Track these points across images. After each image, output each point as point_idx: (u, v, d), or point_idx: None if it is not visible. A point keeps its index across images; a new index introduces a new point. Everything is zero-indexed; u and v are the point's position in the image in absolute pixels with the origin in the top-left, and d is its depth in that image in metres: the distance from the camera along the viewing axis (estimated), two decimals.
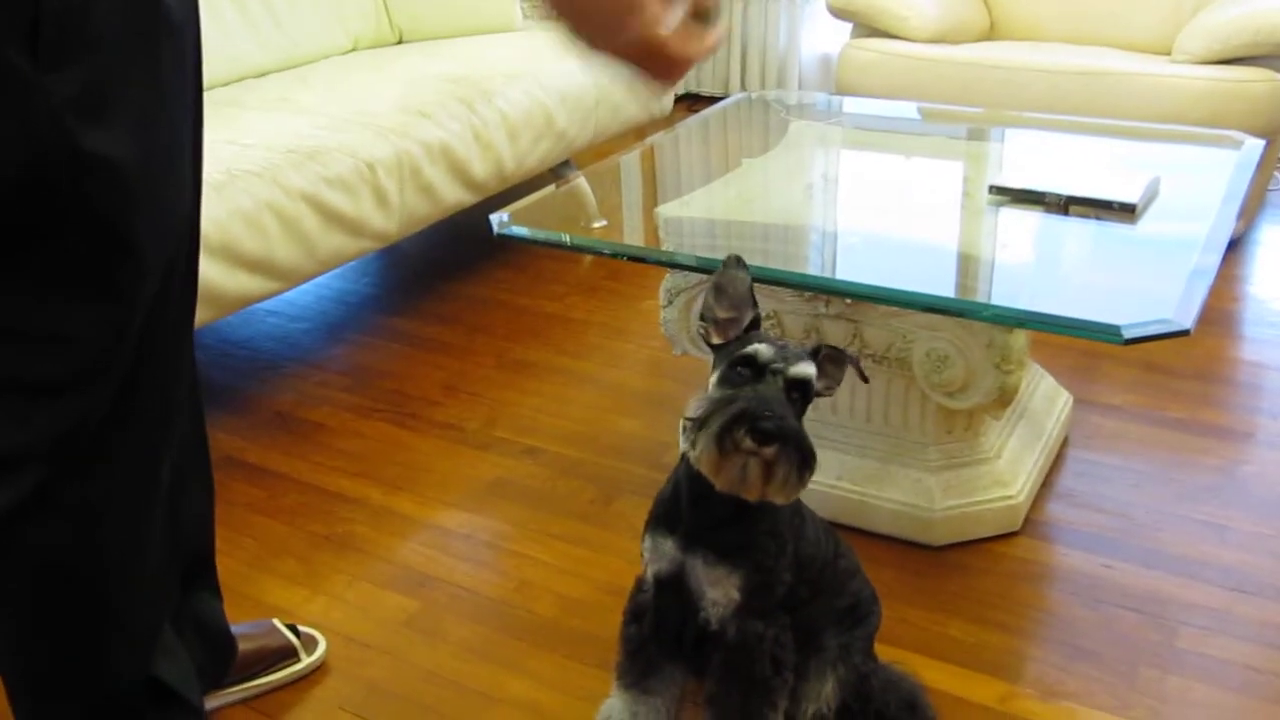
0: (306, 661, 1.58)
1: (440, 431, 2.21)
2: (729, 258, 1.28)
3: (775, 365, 1.18)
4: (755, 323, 1.26)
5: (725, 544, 1.26)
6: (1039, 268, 1.71)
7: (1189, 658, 1.57)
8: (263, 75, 2.86)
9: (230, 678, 1.51)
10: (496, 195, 2.64)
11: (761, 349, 1.19)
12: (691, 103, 4.39)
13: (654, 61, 0.86)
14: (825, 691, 1.37)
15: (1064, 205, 1.81)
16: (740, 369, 1.19)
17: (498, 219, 1.82)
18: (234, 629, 1.51)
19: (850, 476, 1.83)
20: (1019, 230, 1.81)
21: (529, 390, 2.36)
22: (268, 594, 1.75)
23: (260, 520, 1.94)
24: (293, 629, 1.60)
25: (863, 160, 2.34)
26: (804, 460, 1.13)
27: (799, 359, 1.19)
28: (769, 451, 1.11)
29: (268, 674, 1.55)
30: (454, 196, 2.58)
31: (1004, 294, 1.56)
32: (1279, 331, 2.53)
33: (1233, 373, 2.37)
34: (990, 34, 3.46)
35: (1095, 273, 1.70)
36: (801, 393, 1.19)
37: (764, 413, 1.12)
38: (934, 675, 1.54)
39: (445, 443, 2.17)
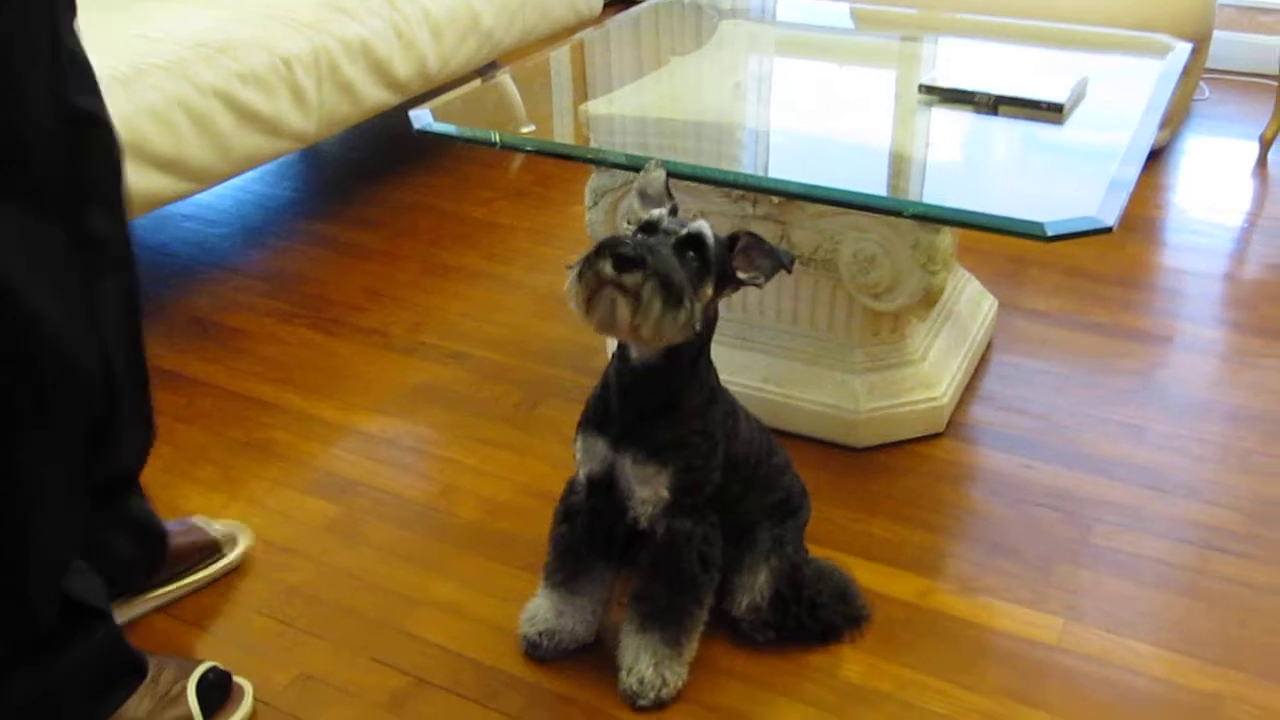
0: (230, 557, 1.56)
1: (364, 337, 2.16)
2: (651, 162, 1.26)
3: (668, 225, 1.17)
4: (673, 213, 1.24)
5: (655, 443, 1.25)
6: (967, 167, 1.70)
7: (1104, 553, 1.60)
8: None
9: (161, 574, 1.49)
10: (420, 96, 2.56)
11: (656, 212, 1.20)
12: (622, 5, 4.29)
13: None
14: (759, 583, 1.38)
15: (993, 105, 1.79)
16: (639, 234, 1.18)
17: (419, 116, 1.76)
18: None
19: (775, 379, 1.83)
20: (948, 130, 1.80)
21: (455, 295, 2.32)
22: (186, 500, 1.71)
23: (178, 427, 1.89)
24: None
25: (793, 60, 2.30)
26: (670, 292, 1.11)
27: (693, 221, 1.18)
28: (630, 280, 1.10)
29: (193, 572, 1.53)
30: (375, 97, 2.50)
31: (931, 193, 1.55)
32: (1199, 238, 2.56)
33: (1154, 278, 2.40)
34: None
35: (1021, 173, 1.69)
36: (697, 251, 1.17)
37: (625, 241, 1.11)
38: (857, 573, 1.55)
39: (369, 348, 2.13)
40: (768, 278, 1.23)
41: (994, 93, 1.79)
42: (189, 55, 2.10)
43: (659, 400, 1.23)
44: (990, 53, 2.25)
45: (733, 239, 1.21)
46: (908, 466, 1.78)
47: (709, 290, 1.19)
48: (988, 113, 1.79)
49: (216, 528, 1.58)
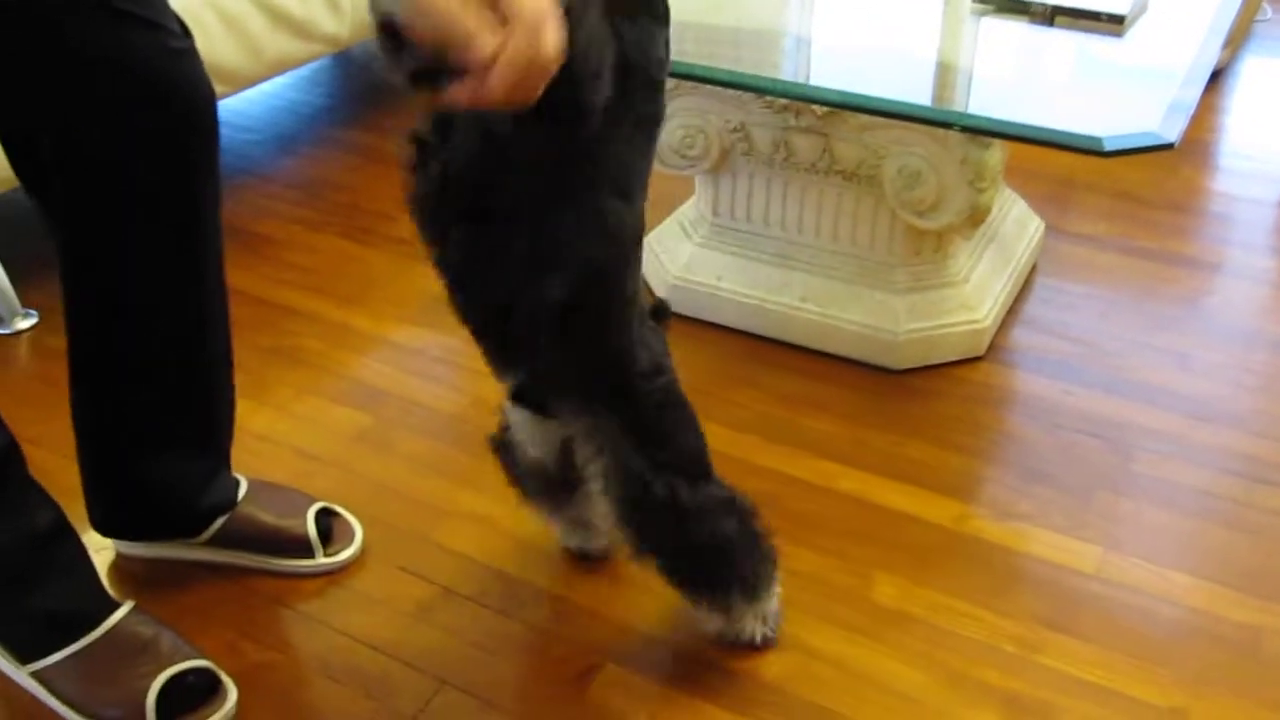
0: (322, 560, 1.41)
1: (395, 246, 2.14)
2: None
3: None
4: None
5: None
6: (1020, 80, 1.64)
7: (1144, 481, 1.56)
8: None
9: (226, 543, 1.40)
10: None
11: None
12: None
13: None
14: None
15: (1049, 15, 1.72)
16: None
17: None
18: (256, 490, 1.41)
19: (814, 298, 1.79)
20: (1001, 41, 1.73)
21: None
22: None
23: None
24: (327, 513, 1.44)
25: None
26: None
27: None
28: None
29: (263, 556, 1.40)
30: None
31: (982, 106, 1.49)
32: (1253, 164, 2.47)
33: (1205, 204, 2.32)
34: None
35: (1078, 88, 1.62)
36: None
37: None
38: (891, 496, 1.53)
39: (400, 258, 2.10)
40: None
41: (1050, 2, 1.72)
42: None
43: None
44: None
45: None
46: (946, 390, 1.74)
47: None
48: (1043, 23, 1.72)
49: (310, 519, 1.42)
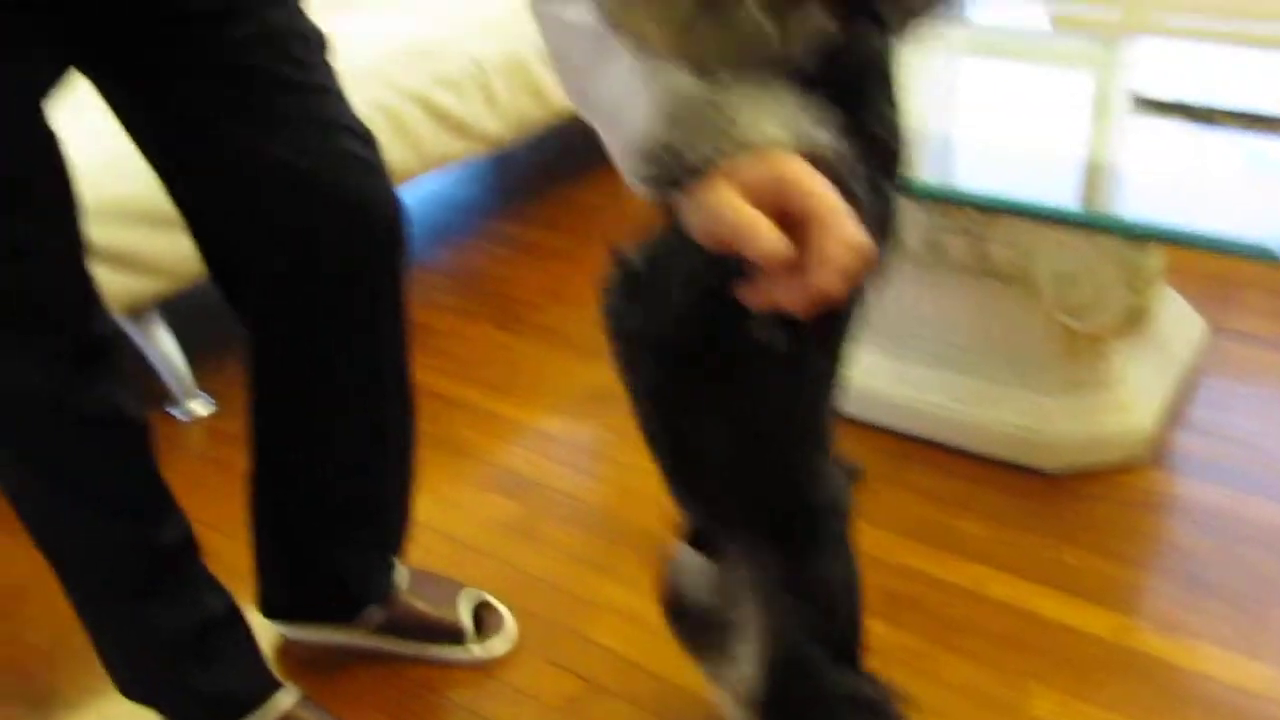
0: (473, 650, 1.44)
1: (545, 336, 2.19)
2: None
3: None
4: None
5: None
6: (1181, 182, 1.60)
7: None
8: None
9: (376, 629, 1.44)
10: None
11: None
12: None
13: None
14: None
15: (1211, 116, 1.69)
16: None
17: None
18: (414, 579, 1.46)
19: (965, 397, 1.77)
20: (1161, 141, 1.70)
21: None
22: None
23: None
24: (481, 603, 1.48)
25: (991, 68, 2.21)
26: None
27: None
28: None
29: (419, 644, 1.44)
30: (565, 100, 2.52)
31: (1140, 208, 1.47)
32: None
33: None
34: None
35: (1244, 189, 1.58)
36: None
37: None
38: (1046, 604, 1.49)
39: (549, 348, 2.15)
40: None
41: (1213, 104, 1.69)
42: (391, 59, 2.17)
43: None
44: (1207, 58, 2.12)
45: None
46: (1103, 494, 1.69)
47: (813, 18, 0.77)
48: (1205, 124, 1.69)
49: (464, 609, 1.46)
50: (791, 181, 0.70)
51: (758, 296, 0.73)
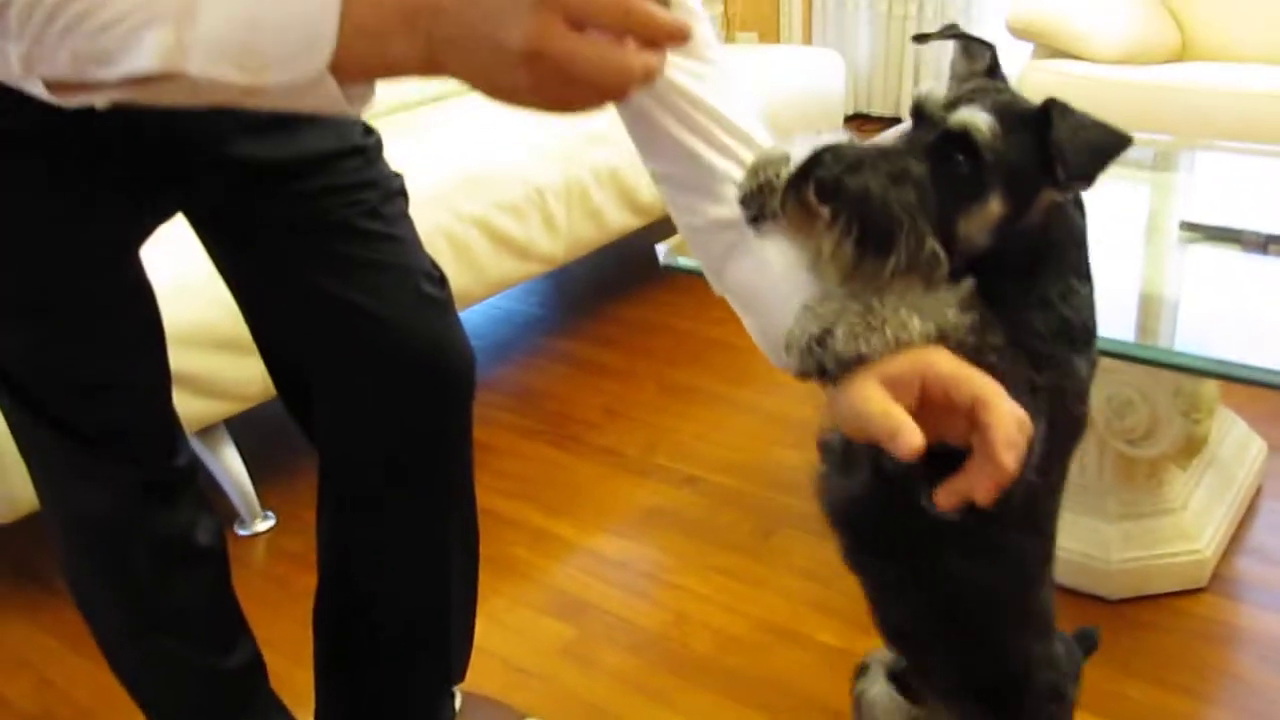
0: None
1: (600, 456, 2.22)
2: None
3: (935, 112, 0.84)
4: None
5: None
6: (1234, 311, 1.61)
7: None
8: (437, 100, 2.94)
9: None
10: (664, 217, 2.65)
11: (932, 91, 0.86)
12: (861, 122, 4.33)
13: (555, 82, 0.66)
14: None
15: (1264, 244, 1.70)
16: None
17: (664, 251, 1.82)
18: (467, 703, 1.49)
19: None
20: (1212, 270, 1.71)
21: (689, 416, 2.35)
22: None
23: None
24: None
25: None
26: (871, 232, 0.78)
27: (970, 103, 0.82)
28: (830, 212, 0.80)
29: None
30: (620, 221, 2.60)
31: (1195, 340, 1.48)
32: None
33: None
34: (1181, 54, 3.30)
35: None
36: (966, 153, 0.81)
37: (831, 154, 0.80)
38: None
39: (605, 467, 2.18)
40: (1089, 179, 0.81)
41: (1265, 231, 1.70)
42: (452, 186, 2.25)
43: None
44: (1259, 183, 2.14)
45: (1042, 113, 0.81)
46: (1165, 623, 1.67)
47: (991, 209, 0.82)
48: (1258, 251, 1.70)
49: None
50: (942, 375, 0.74)
51: (949, 498, 0.77)
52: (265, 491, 2.09)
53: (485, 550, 1.94)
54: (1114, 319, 1.58)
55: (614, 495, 2.09)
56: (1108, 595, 1.71)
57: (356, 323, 1.12)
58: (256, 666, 1.24)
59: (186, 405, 1.83)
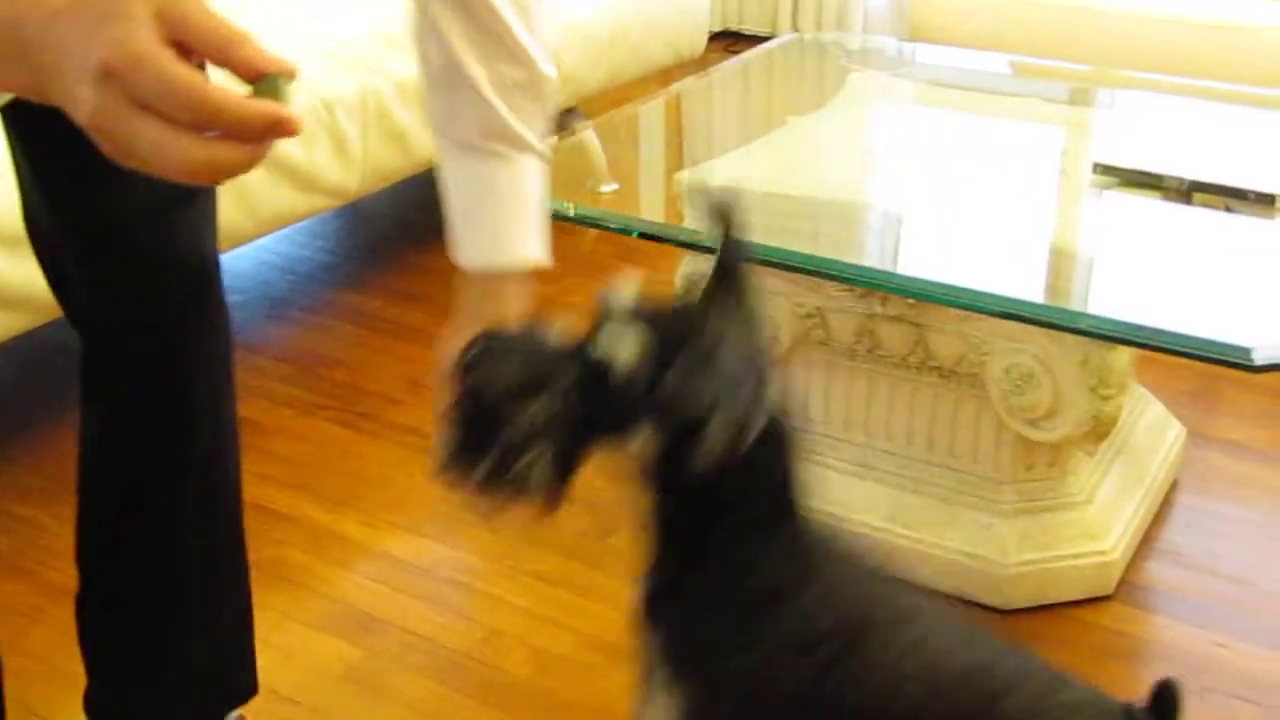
0: None
1: (399, 437, 2.19)
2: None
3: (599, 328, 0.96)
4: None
5: None
6: (1151, 270, 1.68)
7: None
8: None
9: None
10: None
11: (620, 294, 0.98)
12: (730, 42, 4.36)
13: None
14: None
15: (1187, 192, 1.78)
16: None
17: None
18: None
19: (903, 518, 1.81)
20: (1128, 221, 1.78)
21: None
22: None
23: None
24: None
25: (938, 124, 2.31)
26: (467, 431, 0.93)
27: (621, 326, 0.94)
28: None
29: None
30: (430, 146, 2.55)
31: (1106, 301, 1.53)
32: None
33: None
34: None
35: (1222, 280, 1.67)
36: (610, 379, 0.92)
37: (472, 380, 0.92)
38: None
39: (405, 452, 2.15)
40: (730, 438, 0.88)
41: (1188, 177, 1.78)
42: None
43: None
44: (1184, 123, 2.23)
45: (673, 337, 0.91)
46: (1067, 637, 1.73)
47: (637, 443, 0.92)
48: (1179, 201, 1.78)
49: None
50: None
51: None
52: None
53: (252, 554, 1.89)
54: (1017, 275, 1.63)
55: (415, 486, 2.06)
56: (1001, 604, 1.77)
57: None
58: None
59: None
